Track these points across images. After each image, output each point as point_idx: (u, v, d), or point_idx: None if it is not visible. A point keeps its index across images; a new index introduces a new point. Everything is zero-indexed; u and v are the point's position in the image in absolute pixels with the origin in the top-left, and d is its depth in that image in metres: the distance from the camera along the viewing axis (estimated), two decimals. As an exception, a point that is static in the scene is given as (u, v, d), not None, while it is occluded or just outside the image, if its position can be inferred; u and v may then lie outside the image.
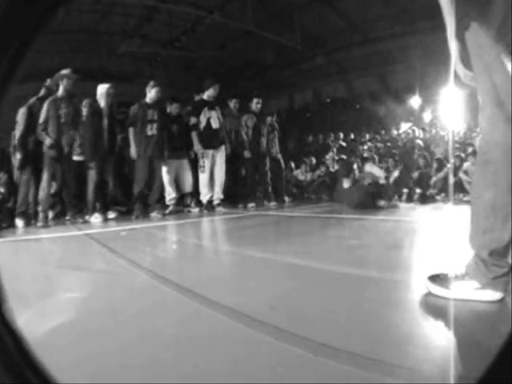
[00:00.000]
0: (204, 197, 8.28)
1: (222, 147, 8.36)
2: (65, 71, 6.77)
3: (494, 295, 1.83)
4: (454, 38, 1.93)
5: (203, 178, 8.23)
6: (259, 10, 13.01)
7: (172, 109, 8.32)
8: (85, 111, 7.51)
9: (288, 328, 1.63)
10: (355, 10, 13.02)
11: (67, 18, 11.19)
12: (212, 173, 8.32)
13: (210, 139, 8.19)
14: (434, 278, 2.01)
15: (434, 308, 1.89)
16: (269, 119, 9.93)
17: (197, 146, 8.13)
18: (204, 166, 8.19)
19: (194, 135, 8.13)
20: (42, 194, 6.56)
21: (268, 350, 1.47)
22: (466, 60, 1.94)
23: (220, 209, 8.25)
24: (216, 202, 8.36)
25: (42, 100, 6.88)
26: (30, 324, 1.68)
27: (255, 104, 9.39)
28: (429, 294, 2.01)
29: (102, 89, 7.33)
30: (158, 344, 1.58)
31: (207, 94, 8.35)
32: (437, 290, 1.97)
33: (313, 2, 13.13)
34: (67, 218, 7.10)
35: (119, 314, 1.98)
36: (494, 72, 1.85)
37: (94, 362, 1.42)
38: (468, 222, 1.93)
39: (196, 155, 8.28)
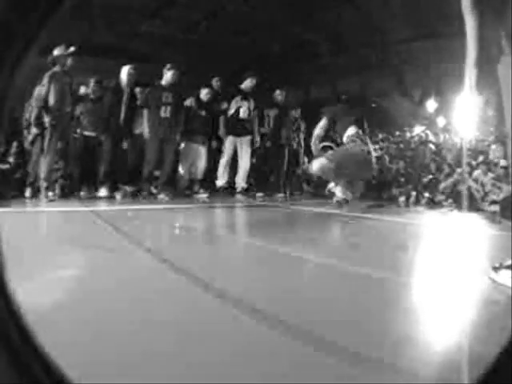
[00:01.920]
0: (219, 182, 8.54)
1: (248, 137, 8.49)
2: (57, 51, 6.71)
3: None
4: (473, 66, 2.07)
5: (221, 162, 8.52)
6: (284, 1, 12.89)
7: (203, 95, 8.43)
8: (91, 88, 7.59)
9: (288, 320, 1.64)
10: (378, 11, 12.90)
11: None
12: (234, 160, 8.60)
13: (234, 127, 8.46)
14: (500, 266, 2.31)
15: (435, 311, 1.91)
16: (293, 113, 9.96)
17: (222, 130, 8.47)
18: (224, 152, 8.48)
19: (221, 119, 8.46)
20: (45, 169, 6.55)
21: (266, 340, 1.48)
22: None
23: (240, 197, 8.41)
24: (238, 189, 8.56)
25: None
26: (25, 302, 1.70)
27: (277, 95, 9.46)
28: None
29: (124, 69, 7.43)
30: (156, 329, 1.58)
31: (244, 85, 8.65)
32: (491, 272, 2.28)
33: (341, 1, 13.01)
34: (74, 192, 7.16)
35: (117, 295, 1.98)
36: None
37: (87, 346, 1.41)
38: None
39: (221, 142, 8.60)
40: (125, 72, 7.39)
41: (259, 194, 9.02)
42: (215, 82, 8.98)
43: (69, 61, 6.74)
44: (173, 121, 7.64)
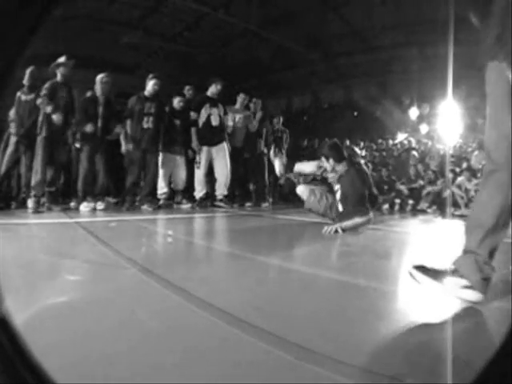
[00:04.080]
0: (198, 193, 8.33)
1: (223, 144, 8.39)
2: (61, 59, 6.72)
3: (477, 296, 1.90)
4: None
5: (198, 174, 8.31)
6: (264, 10, 12.95)
7: (176, 103, 8.32)
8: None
9: (270, 329, 1.61)
10: (360, 17, 13.02)
11: (73, 4, 11.08)
12: (211, 169, 8.40)
13: (208, 136, 8.24)
14: (423, 269, 2.08)
15: (419, 320, 1.88)
16: (275, 121, 9.93)
17: (195, 142, 8.19)
18: (199, 163, 8.24)
19: (193, 131, 8.20)
20: (35, 179, 6.45)
21: (248, 349, 1.45)
22: None
23: (222, 204, 8.30)
24: (219, 197, 8.40)
25: (29, 89, 6.87)
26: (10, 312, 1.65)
27: (252, 104, 9.44)
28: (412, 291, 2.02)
29: (98, 78, 7.30)
30: (136, 336, 1.55)
31: (210, 91, 8.42)
32: (428, 281, 2.04)
33: (320, 6, 13.09)
34: (59, 204, 7.05)
35: (100, 305, 1.94)
36: None
37: (67, 351, 1.38)
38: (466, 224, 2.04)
39: (194, 152, 8.30)
40: (98, 81, 7.28)
41: (248, 204, 9.10)
42: (187, 91, 8.92)
43: (66, 71, 6.75)
44: (155, 131, 7.58)
